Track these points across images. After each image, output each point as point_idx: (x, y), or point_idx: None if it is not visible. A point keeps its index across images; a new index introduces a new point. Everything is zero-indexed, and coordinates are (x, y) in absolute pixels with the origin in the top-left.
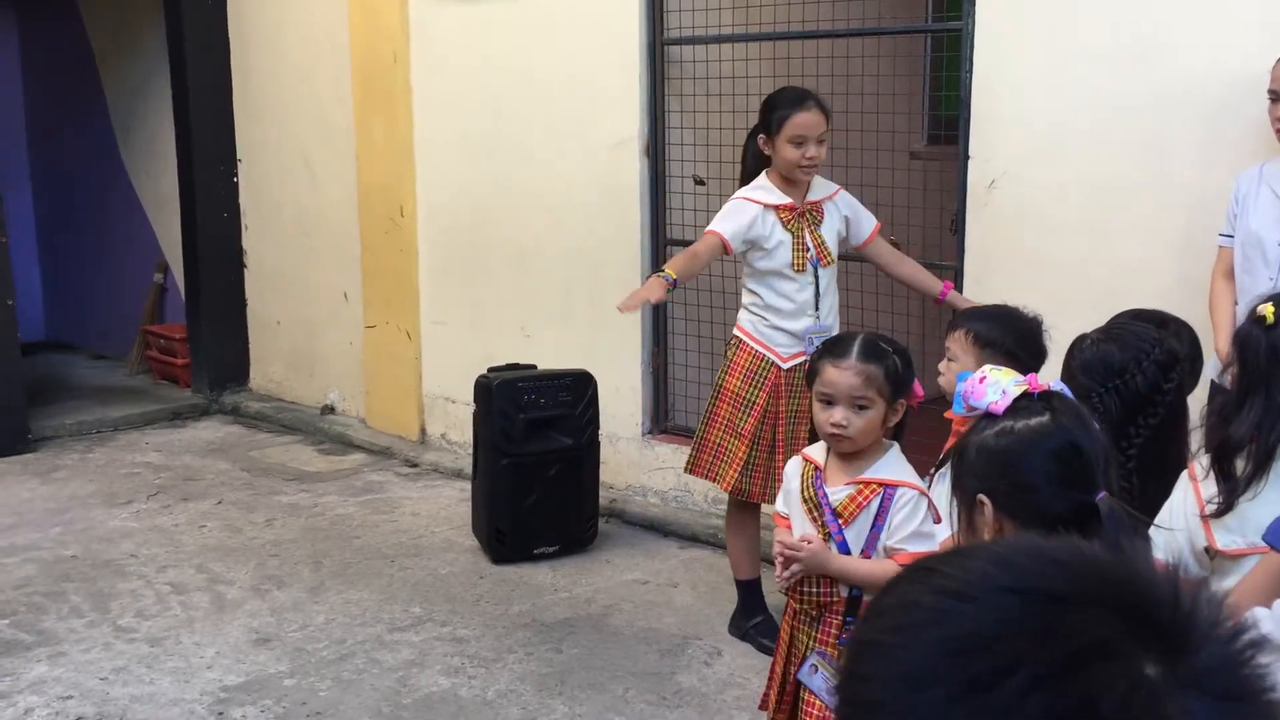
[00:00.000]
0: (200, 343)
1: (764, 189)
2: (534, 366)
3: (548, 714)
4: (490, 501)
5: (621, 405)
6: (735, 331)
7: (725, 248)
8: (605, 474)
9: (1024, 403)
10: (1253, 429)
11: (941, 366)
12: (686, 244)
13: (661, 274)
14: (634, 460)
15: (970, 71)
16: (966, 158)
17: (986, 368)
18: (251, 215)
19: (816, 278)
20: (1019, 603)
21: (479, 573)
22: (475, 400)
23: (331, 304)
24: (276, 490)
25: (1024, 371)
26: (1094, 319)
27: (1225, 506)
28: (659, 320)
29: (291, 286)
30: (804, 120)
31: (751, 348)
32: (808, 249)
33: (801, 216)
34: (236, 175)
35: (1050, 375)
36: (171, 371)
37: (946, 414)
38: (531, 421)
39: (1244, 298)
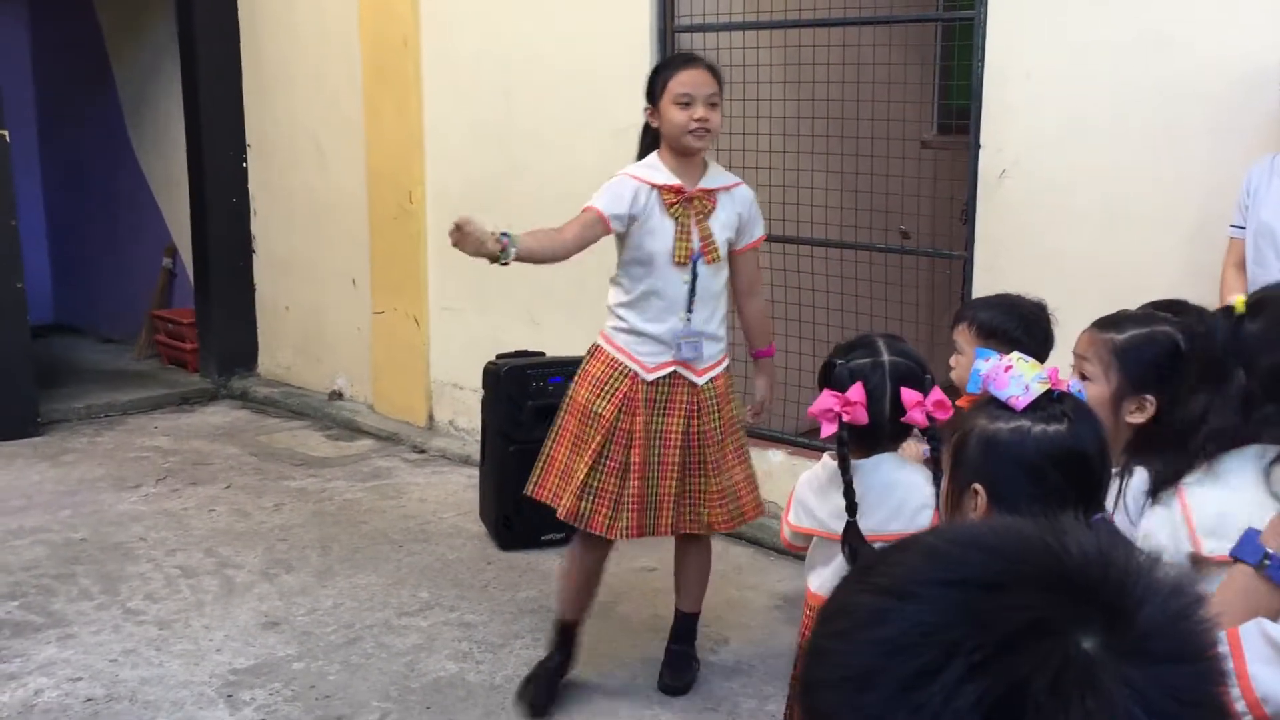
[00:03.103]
0: (209, 327)
1: (650, 167)
2: (542, 353)
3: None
4: (498, 488)
5: None
6: (597, 335)
7: (604, 224)
8: None
9: (1044, 402)
10: (1200, 415)
11: (951, 361)
12: None
13: (504, 235)
14: None
15: (982, 61)
16: (977, 147)
17: (1014, 356)
18: (260, 200)
19: (695, 274)
20: (952, 594)
21: (486, 558)
22: (483, 387)
23: (340, 289)
24: (285, 475)
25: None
26: (1104, 309)
27: (1153, 488)
28: None
29: (300, 272)
30: (688, 78)
31: (607, 354)
32: (691, 240)
33: (689, 203)
34: (246, 160)
35: (1052, 362)
36: (180, 356)
37: (959, 401)
38: (540, 408)
39: (1255, 289)
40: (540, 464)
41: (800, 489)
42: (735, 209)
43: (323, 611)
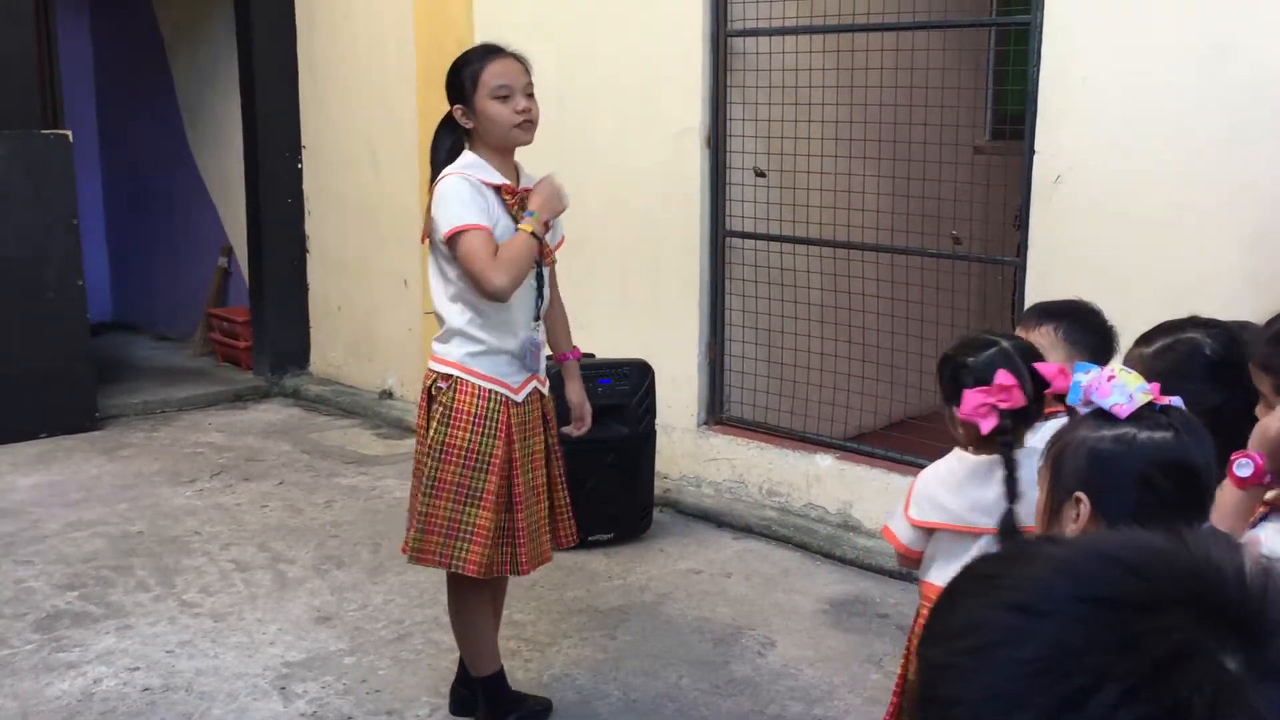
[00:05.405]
0: (262, 326)
1: (478, 167)
2: (592, 355)
3: (602, 699)
4: None
5: (678, 396)
6: (440, 368)
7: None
8: (660, 464)
9: (1146, 411)
10: None
11: None
12: (745, 235)
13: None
14: (689, 451)
15: (1038, 65)
16: (1032, 153)
17: (1115, 366)
18: (315, 201)
19: (540, 279)
20: (1093, 613)
21: None
22: None
23: (391, 290)
24: (336, 472)
25: None
26: (1161, 318)
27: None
28: (716, 311)
29: (353, 272)
30: (501, 69)
31: (475, 385)
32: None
33: (522, 203)
34: (301, 161)
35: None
36: (234, 354)
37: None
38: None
39: None
40: (416, 524)
41: (925, 485)
42: None
43: (373, 607)
